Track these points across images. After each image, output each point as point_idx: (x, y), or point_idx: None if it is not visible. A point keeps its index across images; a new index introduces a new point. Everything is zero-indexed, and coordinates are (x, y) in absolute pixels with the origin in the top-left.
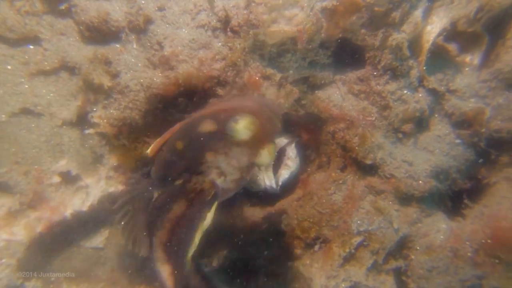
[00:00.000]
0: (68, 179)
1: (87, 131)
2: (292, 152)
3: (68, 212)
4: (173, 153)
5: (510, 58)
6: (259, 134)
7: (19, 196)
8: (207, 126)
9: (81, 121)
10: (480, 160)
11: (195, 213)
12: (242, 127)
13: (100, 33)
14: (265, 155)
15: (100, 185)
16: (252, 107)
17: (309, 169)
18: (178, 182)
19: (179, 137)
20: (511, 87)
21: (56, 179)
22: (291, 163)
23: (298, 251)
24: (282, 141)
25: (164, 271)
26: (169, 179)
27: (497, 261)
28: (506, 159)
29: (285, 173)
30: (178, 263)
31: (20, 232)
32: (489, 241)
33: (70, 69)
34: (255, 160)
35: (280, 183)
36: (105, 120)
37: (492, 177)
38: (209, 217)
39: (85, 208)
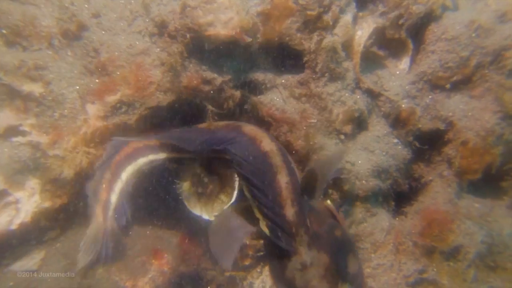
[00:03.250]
0: None
1: (15, 139)
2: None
3: None
4: None
5: (431, 61)
6: None
7: None
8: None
9: (9, 131)
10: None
11: None
12: None
13: (28, 39)
14: None
15: (33, 200)
16: None
17: None
18: None
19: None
20: (435, 87)
21: None
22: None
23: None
24: None
25: None
26: None
27: (432, 251)
28: (438, 157)
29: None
30: None
31: None
32: (425, 232)
33: None
34: None
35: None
36: (37, 128)
37: (428, 176)
38: None
39: (14, 226)
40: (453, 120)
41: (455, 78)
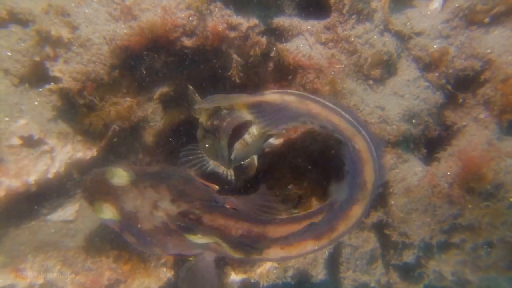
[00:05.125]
0: (30, 143)
1: (47, 86)
2: (256, 128)
3: (31, 179)
4: None
5: None
6: None
7: None
8: None
9: (42, 79)
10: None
11: None
12: None
13: None
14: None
15: (66, 150)
16: None
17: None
18: None
19: None
20: (471, 23)
21: (16, 141)
22: (249, 140)
23: None
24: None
25: None
26: None
27: (469, 192)
28: (472, 101)
29: (238, 150)
30: None
31: None
32: (461, 172)
33: (22, 21)
34: None
35: (232, 157)
36: (67, 74)
37: (461, 121)
38: None
39: (50, 175)
40: (492, 57)
41: (496, 10)
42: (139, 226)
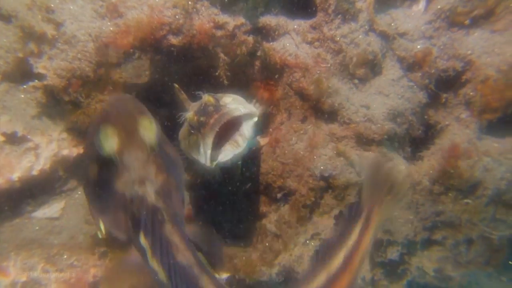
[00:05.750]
0: (14, 139)
1: (31, 83)
2: (247, 130)
3: (15, 176)
4: None
5: None
6: None
7: None
8: None
9: (25, 76)
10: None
11: None
12: None
13: None
14: None
15: (51, 147)
16: None
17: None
18: None
19: None
20: (453, 25)
21: None
22: (241, 142)
23: (264, 209)
24: (239, 109)
25: None
26: None
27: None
28: (454, 101)
29: (228, 151)
30: None
31: None
32: (443, 170)
33: (4, 17)
34: None
35: (217, 159)
36: (51, 71)
37: (444, 121)
38: None
39: (35, 172)
40: (472, 58)
41: (475, 12)
42: (114, 184)
